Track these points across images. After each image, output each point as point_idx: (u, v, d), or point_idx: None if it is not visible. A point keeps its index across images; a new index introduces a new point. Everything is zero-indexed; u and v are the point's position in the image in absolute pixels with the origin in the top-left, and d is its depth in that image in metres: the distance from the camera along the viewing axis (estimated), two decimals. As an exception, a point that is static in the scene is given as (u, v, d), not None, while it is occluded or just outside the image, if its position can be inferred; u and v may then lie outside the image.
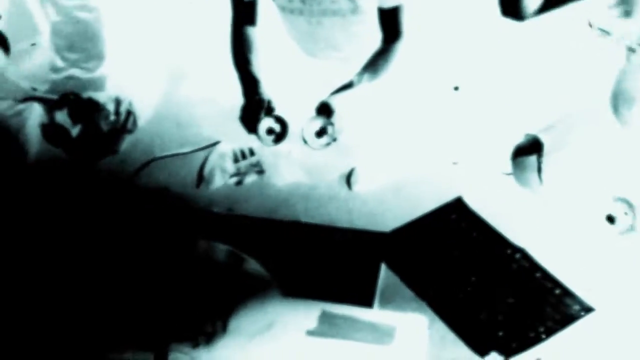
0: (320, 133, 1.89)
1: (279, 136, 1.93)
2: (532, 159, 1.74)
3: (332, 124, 1.87)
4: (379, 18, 2.03)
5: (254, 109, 1.92)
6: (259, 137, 1.92)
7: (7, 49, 2.23)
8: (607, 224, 1.61)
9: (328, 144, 1.90)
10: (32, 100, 2.17)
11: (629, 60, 1.61)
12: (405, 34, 2.02)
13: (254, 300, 1.52)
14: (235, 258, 1.63)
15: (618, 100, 1.68)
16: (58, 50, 2.31)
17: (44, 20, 2.29)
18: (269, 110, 1.93)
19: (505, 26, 1.85)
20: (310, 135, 1.89)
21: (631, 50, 1.62)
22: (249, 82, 2.01)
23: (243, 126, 1.94)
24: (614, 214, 1.59)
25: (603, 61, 1.87)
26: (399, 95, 2.04)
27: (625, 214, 1.57)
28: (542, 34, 1.92)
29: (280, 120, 1.92)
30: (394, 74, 2.02)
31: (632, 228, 1.57)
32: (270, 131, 1.92)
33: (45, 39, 2.32)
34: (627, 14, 1.53)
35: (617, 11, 1.53)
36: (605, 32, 1.59)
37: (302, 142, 1.90)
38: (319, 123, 1.88)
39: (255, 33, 2.12)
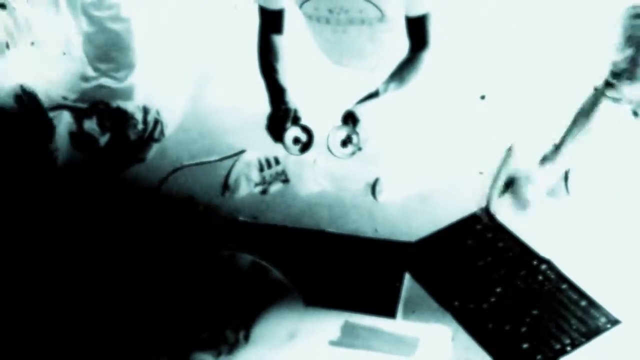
0: (345, 142, 1.89)
1: (305, 145, 1.93)
2: (560, 168, 1.73)
3: (357, 133, 1.87)
4: (406, 27, 2.02)
5: (281, 118, 1.92)
6: (285, 147, 1.92)
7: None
8: None
9: (353, 153, 1.89)
10: (61, 108, 2.20)
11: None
12: (432, 42, 2.01)
13: (277, 310, 1.53)
14: (258, 268, 1.64)
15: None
16: (89, 60, 2.34)
17: (75, 31, 2.32)
18: (296, 120, 1.93)
19: (532, 35, 1.84)
20: (335, 145, 1.89)
21: (635, 114, 1.62)
22: (276, 91, 2.01)
23: (270, 135, 1.95)
24: None
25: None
26: (424, 104, 2.03)
27: None
28: (570, 42, 1.91)
29: (306, 130, 1.92)
30: (420, 82, 2.01)
31: None
32: (296, 140, 1.92)
33: (76, 48, 2.35)
34: (631, 79, 1.52)
35: (621, 79, 1.53)
36: (616, 100, 1.59)
37: (327, 151, 1.90)
38: (344, 132, 1.88)
39: (282, 41, 2.12)
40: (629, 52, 1.45)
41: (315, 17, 2.07)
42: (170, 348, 1.45)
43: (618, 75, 1.51)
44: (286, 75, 2.07)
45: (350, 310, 1.51)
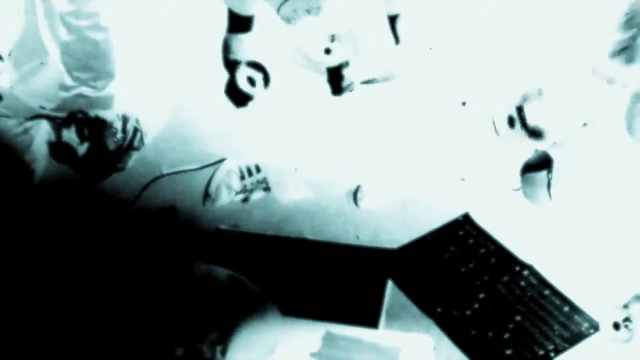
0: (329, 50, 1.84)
1: (264, 82, 1.86)
2: (542, 174, 1.73)
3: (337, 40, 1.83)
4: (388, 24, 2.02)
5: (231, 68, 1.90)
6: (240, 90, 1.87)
7: None
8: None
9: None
10: (40, 117, 2.17)
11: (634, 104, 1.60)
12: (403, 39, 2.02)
13: (254, 325, 1.50)
14: (235, 282, 1.61)
15: (632, 116, 1.66)
16: (68, 69, 2.32)
17: (53, 40, 2.30)
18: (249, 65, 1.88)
19: (513, 41, 1.84)
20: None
21: (637, 97, 1.60)
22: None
23: (229, 100, 1.93)
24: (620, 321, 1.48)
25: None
26: (406, 111, 2.02)
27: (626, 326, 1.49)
28: (553, 49, 1.91)
29: (259, 67, 1.85)
30: (401, 89, 2.01)
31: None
32: (251, 80, 1.86)
33: (54, 58, 2.33)
34: (630, 60, 1.52)
35: (619, 60, 1.52)
36: (610, 80, 1.58)
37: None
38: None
39: (247, 38, 2.11)
40: (630, 32, 1.44)
41: (294, 19, 2.07)
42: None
43: (616, 57, 1.50)
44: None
45: (332, 320, 1.50)
